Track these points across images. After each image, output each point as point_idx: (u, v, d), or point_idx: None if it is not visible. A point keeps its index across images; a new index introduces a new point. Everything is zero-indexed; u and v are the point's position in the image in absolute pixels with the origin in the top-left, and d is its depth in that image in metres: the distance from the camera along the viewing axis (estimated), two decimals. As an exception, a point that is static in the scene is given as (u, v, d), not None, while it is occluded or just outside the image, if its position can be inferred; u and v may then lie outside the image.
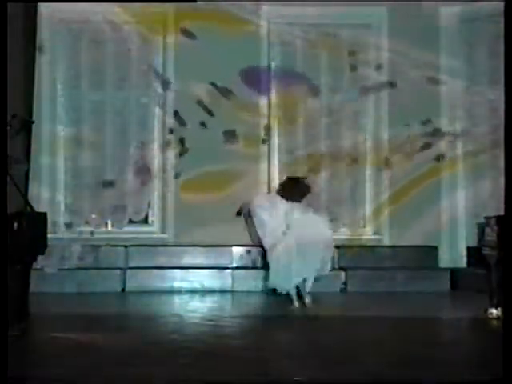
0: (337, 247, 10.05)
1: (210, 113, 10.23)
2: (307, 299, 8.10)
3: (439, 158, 10.37)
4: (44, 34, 10.12)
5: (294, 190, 8.19)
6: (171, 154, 10.28)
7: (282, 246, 7.89)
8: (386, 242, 10.35)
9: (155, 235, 10.33)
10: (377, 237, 10.44)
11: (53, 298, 8.50)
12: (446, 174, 10.37)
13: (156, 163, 10.38)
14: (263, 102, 10.37)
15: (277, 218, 7.95)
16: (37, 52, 10.00)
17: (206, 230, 9.85)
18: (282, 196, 8.14)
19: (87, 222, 10.27)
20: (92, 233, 10.12)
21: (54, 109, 10.22)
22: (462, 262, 10.15)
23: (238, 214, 8.58)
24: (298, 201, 8.12)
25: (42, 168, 10.08)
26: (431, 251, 10.16)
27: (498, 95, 9.47)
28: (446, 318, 7.78)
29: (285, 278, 7.94)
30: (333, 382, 4.50)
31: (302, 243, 7.82)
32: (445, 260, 10.22)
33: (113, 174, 10.26)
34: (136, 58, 10.33)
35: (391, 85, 10.40)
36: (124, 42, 10.30)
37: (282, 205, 8.01)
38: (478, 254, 7.61)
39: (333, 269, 9.77)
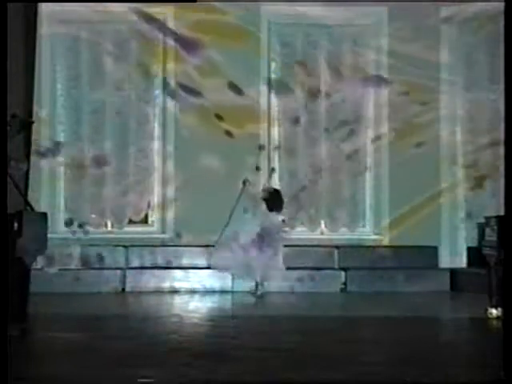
0: (337, 247, 10.12)
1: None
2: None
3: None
4: (44, 33, 10.12)
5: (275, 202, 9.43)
6: (171, 153, 10.30)
7: None
8: (386, 242, 10.36)
9: (155, 235, 10.33)
10: (377, 237, 10.44)
11: (53, 298, 8.49)
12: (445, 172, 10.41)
13: (156, 163, 10.39)
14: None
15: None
16: (37, 52, 9.99)
17: (205, 229, 9.88)
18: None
19: (87, 222, 10.28)
20: (91, 232, 10.15)
21: (53, 109, 10.23)
22: (462, 262, 10.16)
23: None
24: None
25: (42, 168, 10.08)
26: (431, 251, 10.16)
27: (497, 95, 9.47)
28: (445, 318, 7.78)
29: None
30: (333, 381, 4.49)
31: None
32: (445, 260, 10.23)
33: (113, 174, 10.27)
34: (136, 57, 10.36)
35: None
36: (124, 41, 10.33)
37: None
38: (478, 254, 7.61)
39: (333, 269, 9.89)
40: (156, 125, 10.41)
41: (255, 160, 10.24)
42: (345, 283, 9.73)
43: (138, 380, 4.43)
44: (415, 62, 10.23)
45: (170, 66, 10.36)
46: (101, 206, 10.26)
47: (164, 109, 10.37)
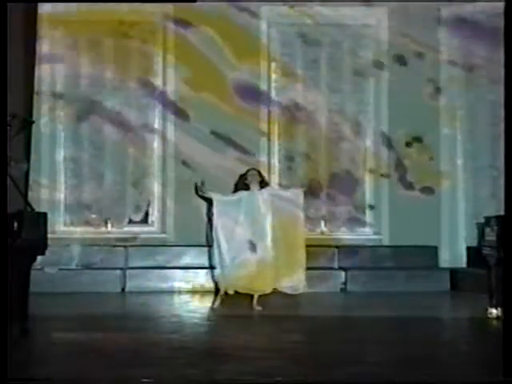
0: (337, 247, 10.12)
1: None
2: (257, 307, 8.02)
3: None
4: (44, 34, 10.11)
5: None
6: (171, 153, 10.30)
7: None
8: (386, 242, 10.36)
9: (155, 235, 10.33)
10: (377, 237, 10.44)
11: (53, 298, 8.50)
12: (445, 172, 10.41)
13: (156, 163, 10.38)
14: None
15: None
16: (37, 52, 9.99)
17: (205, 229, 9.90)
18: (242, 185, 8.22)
19: (87, 222, 10.28)
20: (91, 232, 10.14)
21: (53, 109, 10.23)
22: (462, 262, 10.16)
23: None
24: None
25: (41, 168, 10.08)
26: (431, 251, 10.16)
27: (497, 95, 9.47)
28: (446, 318, 7.79)
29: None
30: (333, 382, 4.50)
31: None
32: (445, 260, 10.23)
33: (112, 174, 10.27)
34: (136, 57, 10.36)
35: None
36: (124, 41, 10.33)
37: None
38: (478, 254, 7.61)
39: (333, 269, 9.89)
40: (156, 124, 10.41)
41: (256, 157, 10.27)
42: (345, 283, 9.73)
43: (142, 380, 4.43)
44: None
45: (170, 65, 10.38)
46: (101, 205, 10.26)
47: (164, 108, 10.36)
